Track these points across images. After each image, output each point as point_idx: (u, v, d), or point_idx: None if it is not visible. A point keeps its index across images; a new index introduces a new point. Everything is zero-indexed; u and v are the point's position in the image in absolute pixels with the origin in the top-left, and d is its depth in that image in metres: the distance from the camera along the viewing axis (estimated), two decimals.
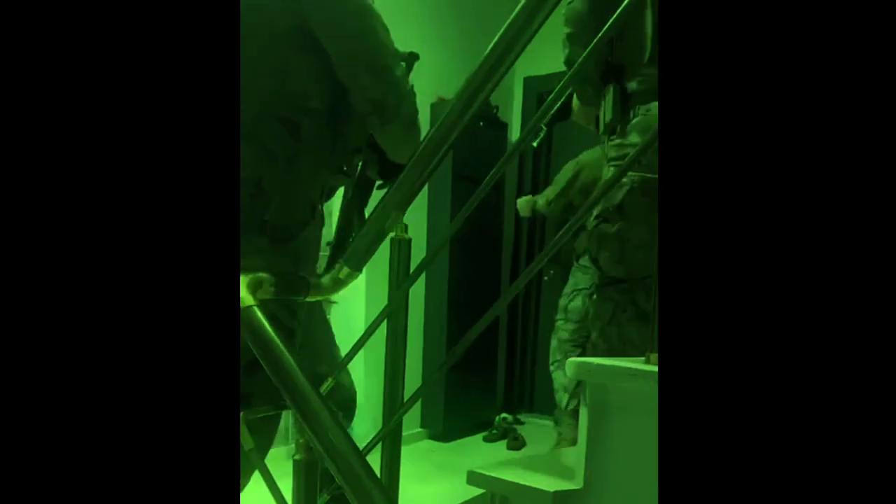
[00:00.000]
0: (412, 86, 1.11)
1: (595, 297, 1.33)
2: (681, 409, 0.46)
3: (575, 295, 2.57)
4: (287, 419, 2.78)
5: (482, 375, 3.40)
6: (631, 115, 1.23)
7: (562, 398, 2.54)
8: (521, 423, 3.47)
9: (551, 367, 2.65)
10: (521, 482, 0.82)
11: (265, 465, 0.95)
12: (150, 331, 0.50)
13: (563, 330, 2.60)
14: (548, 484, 0.80)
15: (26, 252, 0.47)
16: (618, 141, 1.25)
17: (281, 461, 1.28)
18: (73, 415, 0.48)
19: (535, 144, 2.70)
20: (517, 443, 3.10)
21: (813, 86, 0.45)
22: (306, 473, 0.79)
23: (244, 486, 1.18)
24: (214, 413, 0.52)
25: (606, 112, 1.25)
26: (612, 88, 1.23)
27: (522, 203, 2.86)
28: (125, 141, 0.50)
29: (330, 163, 1.16)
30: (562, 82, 0.84)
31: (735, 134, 0.46)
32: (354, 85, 1.06)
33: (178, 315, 0.51)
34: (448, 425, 3.13)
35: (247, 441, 0.90)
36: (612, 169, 1.26)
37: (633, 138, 1.22)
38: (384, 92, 1.05)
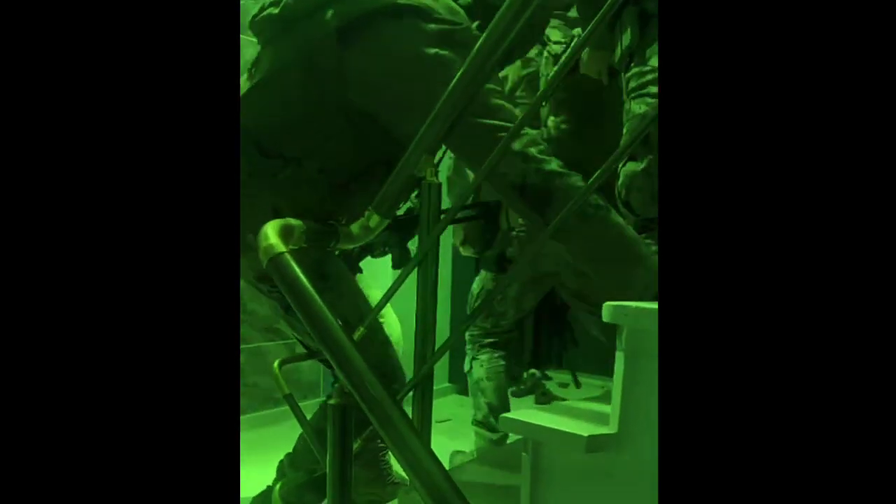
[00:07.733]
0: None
1: None
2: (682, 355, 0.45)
3: None
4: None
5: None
6: (650, 39, 1.15)
7: None
8: (549, 379, 3.48)
9: None
10: (555, 426, 0.81)
11: (301, 412, 0.96)
12: (150, 327, 0.50)
13: None
14: (582, 428, 0.79)
15: (33, 243, 0.47)
16: (636, 69, 1.18)
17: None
18: (71, 411, 0.48)
19: None
20: (545, 398, 3.12)
21: (811, 77, 0.44)
22: (341, 418, 0.79)
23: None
24: (213, 410, 0.52)
25: (625, 37, 1.17)
26: (630, 10, 1.15)
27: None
28: (128, 138, 0.51)
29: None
30: (590, 27, 0.79)
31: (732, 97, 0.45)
32: None
33: (177, 310, 0.51)
34: None
35: (283, 387, 0.91)
36: (634, 102, 1.20)
37: (655, 62, 1.15)
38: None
